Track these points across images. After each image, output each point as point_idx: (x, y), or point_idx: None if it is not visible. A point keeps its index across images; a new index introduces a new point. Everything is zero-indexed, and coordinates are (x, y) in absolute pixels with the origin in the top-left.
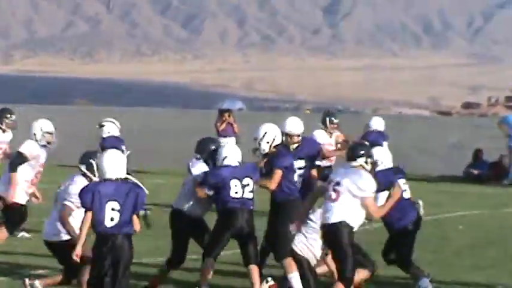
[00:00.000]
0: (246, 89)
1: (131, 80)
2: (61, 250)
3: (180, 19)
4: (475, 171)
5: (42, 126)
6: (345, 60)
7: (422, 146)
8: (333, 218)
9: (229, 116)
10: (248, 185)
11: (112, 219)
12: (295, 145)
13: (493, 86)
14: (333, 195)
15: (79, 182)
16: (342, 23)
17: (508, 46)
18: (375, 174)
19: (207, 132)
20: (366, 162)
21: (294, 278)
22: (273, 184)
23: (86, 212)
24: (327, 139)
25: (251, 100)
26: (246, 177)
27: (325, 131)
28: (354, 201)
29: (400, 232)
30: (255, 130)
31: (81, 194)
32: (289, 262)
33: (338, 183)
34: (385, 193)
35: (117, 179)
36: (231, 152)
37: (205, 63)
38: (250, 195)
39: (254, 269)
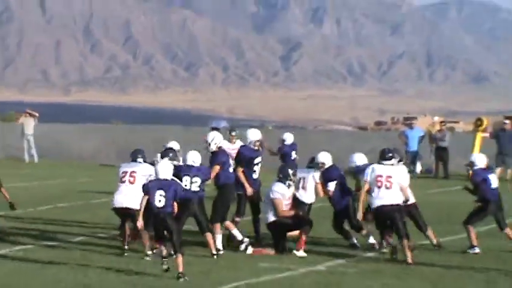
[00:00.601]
0: (229, 113)
1: (150, 107)
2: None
3: (184, 65)
4: None
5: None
6: (295, 92)
7: (348, 152)
8: (391, 201)
9: (217, 130)
10: (196, 182)
11: (160, 201)
12: (256, 147)
13: (395, 109)
14: (388, 184)
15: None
16: (293, 67)
17: (405, 83)
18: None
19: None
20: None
21: (219, 238)
22: (212, 174)
23: (143, 196)
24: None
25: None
26: (195, 176)
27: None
28: (398, 187)
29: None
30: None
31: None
32: (217, 226)
33: (390, 176)
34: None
35: (165, 179)
36: (190, 157)
37: (200, 95)
38: (197, 189)
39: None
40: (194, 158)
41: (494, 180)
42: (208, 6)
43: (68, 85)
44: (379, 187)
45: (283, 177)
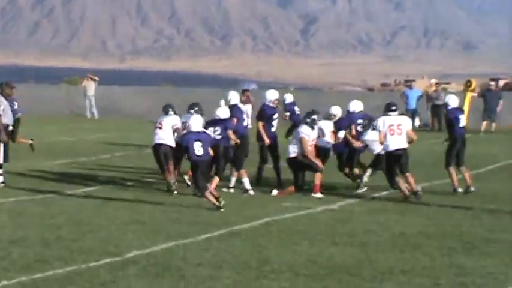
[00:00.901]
0: (257, 77)
1: (191, 72)
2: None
3: (219, 36)
4: None
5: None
6: (312, 60)
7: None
8: (403, 145)
9: (247, 91)
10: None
11: (199, 151)
12: (274, 104)
13: (397, 73)
14: (398, 131)
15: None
16: (311, 38)
17: (406, 51)
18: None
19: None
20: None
21: (247, 180)
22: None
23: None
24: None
25: (260, 83)
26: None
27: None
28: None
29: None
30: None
31: (182, 137)
32: (242, 171)
33: (400, 125)
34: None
35: (199, 131)
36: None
37: (233, 61)
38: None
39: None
40: (220, 113)
41: (463, 120)
42: None
43: (122, 54)
44: (392, 135)
45: (309, 121)
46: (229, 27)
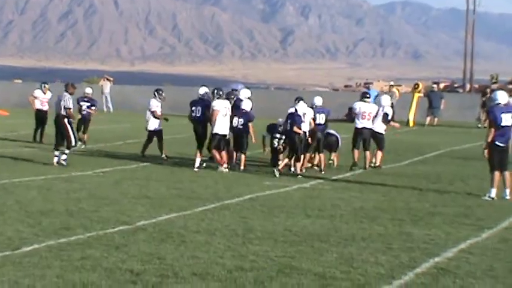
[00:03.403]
0: (243, 79)
1: (189, 75)
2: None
3: (212, 46)
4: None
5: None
6: (289, 65)
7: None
8: (369, 126)
9: (235, 91)
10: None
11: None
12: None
13: (358, 77)
14: (368, 117)
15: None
16: (288, 47)
17: (365, 59)
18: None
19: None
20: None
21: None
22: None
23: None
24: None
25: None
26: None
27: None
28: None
29: None
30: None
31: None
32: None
33: (371, 112)
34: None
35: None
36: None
37: (224, 66)
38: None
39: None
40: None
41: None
42: (230, 4)
43: (133, 59)
44: (363, 119)
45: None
46: (221, 38)
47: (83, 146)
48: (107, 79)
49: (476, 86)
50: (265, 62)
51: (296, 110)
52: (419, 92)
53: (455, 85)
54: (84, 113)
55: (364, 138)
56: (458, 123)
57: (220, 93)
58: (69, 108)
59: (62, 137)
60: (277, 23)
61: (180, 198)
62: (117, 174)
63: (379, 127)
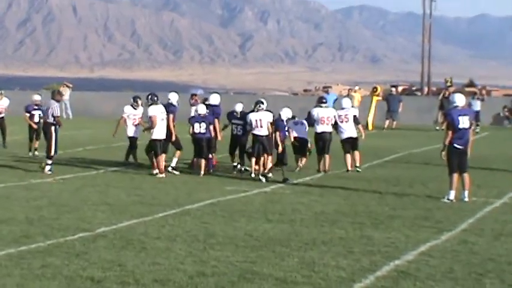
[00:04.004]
0: (203, 84)
1: (149, 80)
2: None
3: (172, 51)
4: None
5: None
6: (249, 70)
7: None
8: (329, 130)
9: (195, 95)
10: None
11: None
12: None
13: (317, 81)
14: (327, 122)
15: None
16: (247, 52)
17: (324, 63)
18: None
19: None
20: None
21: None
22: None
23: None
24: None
25: (206, 88)
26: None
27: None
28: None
29: None
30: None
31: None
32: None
33: (329, 117)
34: None
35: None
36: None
37: (183, 71)
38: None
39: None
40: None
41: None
42: (189, 9)
43: (92, 65)
44: (322, 124)
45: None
46: (180, 43)
47: (36, 153)
48: (66, 86)
49: (434, 88)
50: (225, 66)
51: (280, 116)
52: (378, 95)
53: (414, 88)
54: (36, 121)
55: (324, 142)
56: (417, 126)
57: (155, 98)
58: (57, 116)
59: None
60: (236, 28)
61: (141, 205)
62: (78, 181)
63: (353, 131)
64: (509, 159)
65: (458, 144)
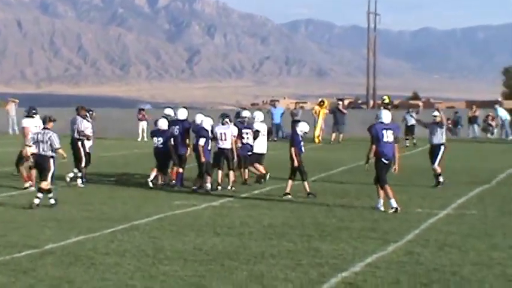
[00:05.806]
0: (151, 98)
1: (96, 95)
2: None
3: (119, 66)
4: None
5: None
6: (196, 84)
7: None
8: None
9: (143, 110)
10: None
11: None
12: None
13: (264, 94)
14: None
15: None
16: (194, 67)
17: (271, 77)
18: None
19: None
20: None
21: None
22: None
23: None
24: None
25: (154, 103)
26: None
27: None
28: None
29: None
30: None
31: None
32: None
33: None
34: None
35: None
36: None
37: (130, 87)
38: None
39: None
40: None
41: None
42: (135, 24)
43: (38, 81)
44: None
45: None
46: (127, 58)
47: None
48: (12, 101)
49: (379, 101)
50: (173, 81)
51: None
52: (325, 108)
53: (359, 101)
54: None
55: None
56: (363, 138)
57: (33, 112)
58: (82, 131)
59: (75, 159)
60: (183, 42)
61: (90, 220)
62: (25, 197)
63: (261, 148)
64: (452, 170)
65: (384, 159)
